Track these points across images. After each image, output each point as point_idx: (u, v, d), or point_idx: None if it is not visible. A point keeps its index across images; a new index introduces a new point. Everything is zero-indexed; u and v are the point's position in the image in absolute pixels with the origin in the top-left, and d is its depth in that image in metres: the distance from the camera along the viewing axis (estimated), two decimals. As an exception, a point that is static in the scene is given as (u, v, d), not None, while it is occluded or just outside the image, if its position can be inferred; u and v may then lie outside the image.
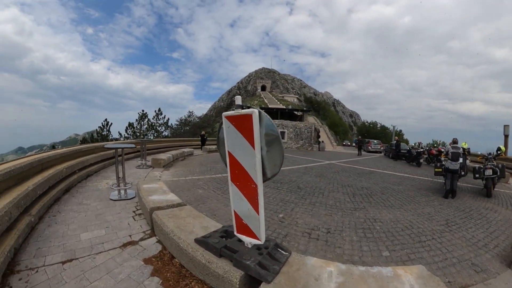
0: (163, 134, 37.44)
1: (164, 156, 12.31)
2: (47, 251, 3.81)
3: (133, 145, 7.21)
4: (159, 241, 4.24)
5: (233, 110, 2.85)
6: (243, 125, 2.70)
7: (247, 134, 2.69)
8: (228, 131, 2.87)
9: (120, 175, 6.91)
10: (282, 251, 3.10)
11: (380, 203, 7.56)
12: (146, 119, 35.23)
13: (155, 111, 37.14)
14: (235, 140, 2.82)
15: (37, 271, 3.26)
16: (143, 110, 34.62)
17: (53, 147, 23.74)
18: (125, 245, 4.11)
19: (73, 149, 8.94)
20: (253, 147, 2.68)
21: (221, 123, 2.97)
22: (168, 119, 38.80)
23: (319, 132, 39.57)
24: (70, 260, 3.57)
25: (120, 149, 6.88)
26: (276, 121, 36.20)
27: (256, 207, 2.89)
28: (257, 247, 3.03)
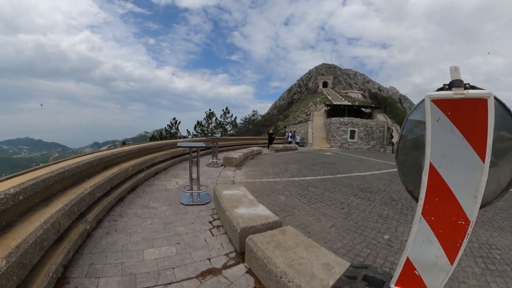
0: (229, 132, 37.28)
1: (235, 154, 11.34)
2: (101, 271, 3.04)
3: (208, 144, 6.11)
4: (249, 271, 3.09)
5: (445, 87, 1.46)
6: (468, 118, 1.39)
7: (474, 134, 1.39)
8: (436, 127, 1.47)
9: (194, 175, 5.82)
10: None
11: (487, 223, 5.62)
12: (214, 118, 35.30)
13: (223, 110, 37.20)
14: (449, 144, 1.46)
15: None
16: (210, 109, 35.53)
17: (123, 143, 24.26)
18: (203, 275, 3.02)
19: (141, 146, 8.25)
20: (482, 158, 1.30)
21: (412, 114, 1.61)
22: (236, 117, 38.73)
23: (392, 132, 35.35)
24: (130, 291, 2.60)
25: (195, 148, 5.78)
26: (346, 119, 33.42)
27: (452, 254, 1.68)
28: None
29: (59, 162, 4.56)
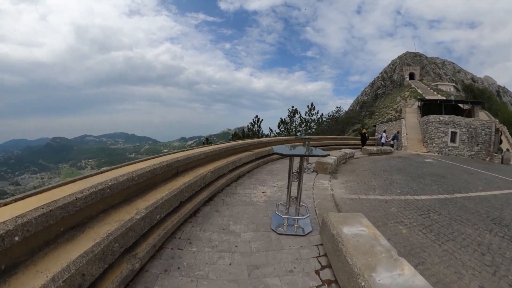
0: (312, 130, 34.18)
1: (329, 159, 9.52)
2: None
3: (316, 152, 4.27)
4: None
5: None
6: None
7: None
8: None
9: (293, 193, 4.24)
10: None
11: None
12: (298, 115, 32.79)
13: (308, 106, 34.15)
14: None
15: None
16: (292, 106, 32.63)
17: (206, 139, 23.97)
18: None
19: (224, 146, 6.96)
20: None
21: None
22: (322, 114, 35.77)
23: (501, 134, 26.67)
24: None
25: (300, 157, 4.18)
26: (446, 117, 27.00)
27: None
28: None
29: (97, 174, 3.33)
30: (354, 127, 48.17)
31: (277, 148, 3.94)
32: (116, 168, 3.52)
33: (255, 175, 7.62)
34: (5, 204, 2.14)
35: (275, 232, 3.89)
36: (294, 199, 4.07)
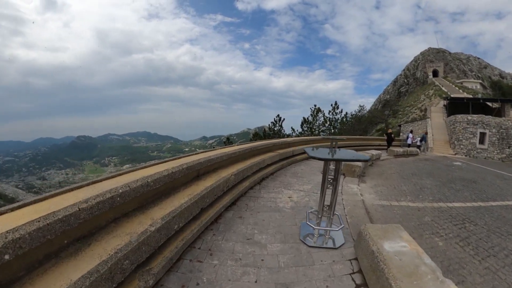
0: (336, 130, 32.71)
1: (357, 163, 8.99)
2: None
3: (367, 157, 3.74)
4: None
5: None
6: None
7: None
8: None
9: (326, 201, 3.81)
10: None
11: None
12: (321, 114, 31.49)
13: (332, 105, 32.85)
14: None
15: None
16: (315, 105, 31.30)
17: (227, 139, 23.48)
18: None
19: (247, 147, 6.56)
20: None
21: None
22: (346, 113, 34.49)
23: None
24: None
25: (340, 163, 3.74)
26: (474, 117, 25.05)
27: None
28: None
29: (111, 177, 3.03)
30: (378, 127, 46.76)
31: (313, 152, 3.47)
32: (131, 171, 3.19)
33: (279, 177, 7.24)
34: (0, 214, 1.85)
35: (305, 243, 3.50)
36: (327, 207, 3.65)
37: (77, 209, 1.89)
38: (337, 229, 3.60)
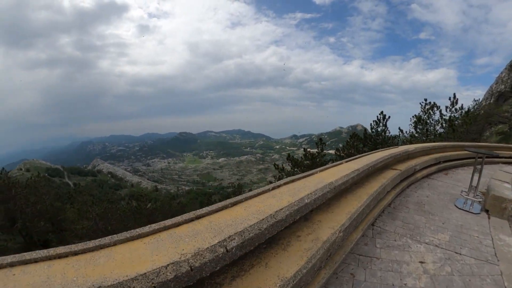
0: (439, 132, 24.42)
1: (507, 192, 6.30)
2: None
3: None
4: None
5: None
6: None
7: None
8: None
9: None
10: None
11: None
12: (437, 110, 23.80)
13: (449, 99, 24.26)
14: None
15: None
16: (425, 99, 23.95)
17: (320, 139, 21.27)
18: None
19: (357, 169, 4.51)
20: None
21: None
22: (469, 109, 26.87)
23: None
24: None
25: None
26: None
27: None
28: None
29: None
30: (497, 128, 38.67)
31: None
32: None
33: (400, 212, 5.19)
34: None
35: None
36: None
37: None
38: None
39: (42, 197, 20.51)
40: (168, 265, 1.60)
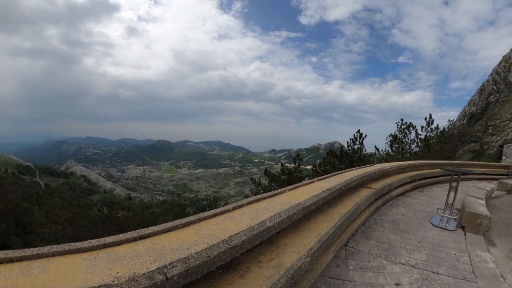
0: (415, 151, 25.81)
1: (481, 208, 6.28)
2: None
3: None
4: None
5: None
6: None
7: None
8: None
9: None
10: None
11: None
12: (413, 130, 25.33)
13: (425, 119, 26.14)
14: None
15: None
16: (402, 120, 25.45)
17: (297, 155, 21.36)
18: None
19: (331, 187, 4.42)
20: None
21: None
22: (444, 129, 28.85)
23: None
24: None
25: None
26: None
27: None
28: None
29: None
30: (470, 147, 39.80)
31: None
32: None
33: (375, 232, 4.96)
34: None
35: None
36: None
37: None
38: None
39: (8, 196, 19.27)
40: (99, 286, 1.47)
